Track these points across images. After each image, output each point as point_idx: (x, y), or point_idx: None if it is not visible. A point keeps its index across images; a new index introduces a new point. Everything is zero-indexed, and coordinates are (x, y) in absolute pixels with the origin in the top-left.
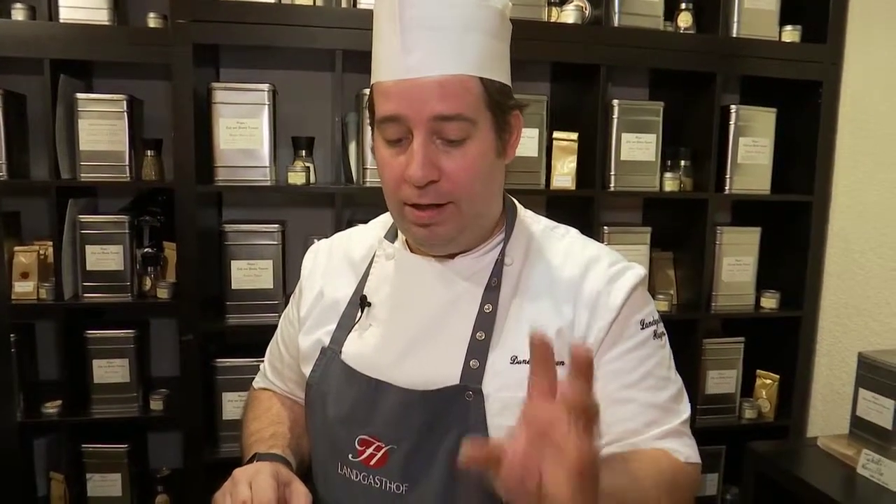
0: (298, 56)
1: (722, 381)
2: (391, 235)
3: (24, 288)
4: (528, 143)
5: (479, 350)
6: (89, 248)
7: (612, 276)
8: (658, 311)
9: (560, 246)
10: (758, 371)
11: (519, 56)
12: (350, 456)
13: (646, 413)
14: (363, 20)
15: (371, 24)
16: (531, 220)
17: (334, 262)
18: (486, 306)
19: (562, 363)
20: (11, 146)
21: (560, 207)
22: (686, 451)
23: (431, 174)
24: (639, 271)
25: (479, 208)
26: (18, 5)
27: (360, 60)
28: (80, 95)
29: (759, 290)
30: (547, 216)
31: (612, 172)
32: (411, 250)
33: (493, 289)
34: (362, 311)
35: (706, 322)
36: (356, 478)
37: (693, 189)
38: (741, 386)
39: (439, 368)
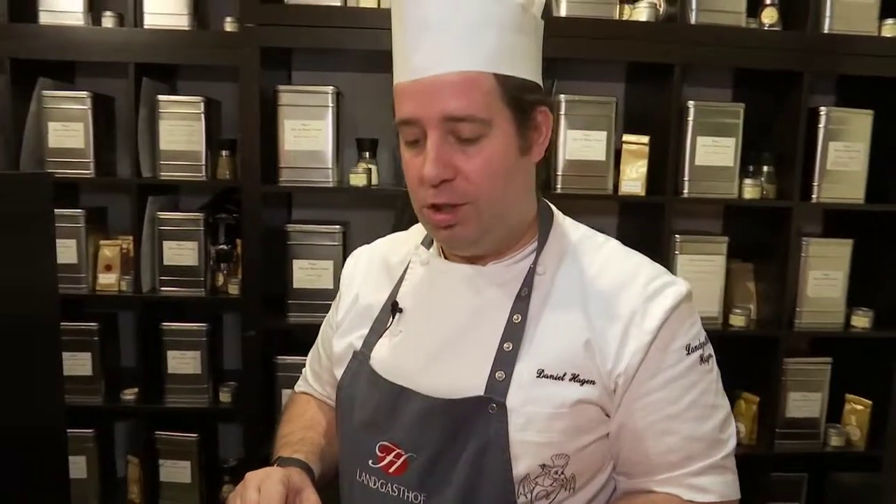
0: (366, 58)
1: (805, 404)
2: (427, 242)
3: (107, 280)
4: (595, 146)
5: (506, 361)
6: (166, 244)
7: (651, 293)
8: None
9: (597, 256)
10: (847, 395)
11: (589, 55)
12: (370, 462)
13: (688, 446)
14: None
15: None
16: (569, 227)
17: (373, 267)
18: (515, 316)
19: (591, 382)
20: (100, 146)
21: (629, 214)
22: (722, 489)
23: (445, 173)
24: (680, 288)
25: (499, 209)
26: (108, 13)
27: None
28: (160, 97)
29: (849, 308)
30: (617, 223)
31: (686, 178)
32: (445, 256)
33: (523, 298)
34: (393, 317)
35: (788, 340)
36: (374, 485)
37: (776, 197)
38: (827, 410)
39: (464, 378)
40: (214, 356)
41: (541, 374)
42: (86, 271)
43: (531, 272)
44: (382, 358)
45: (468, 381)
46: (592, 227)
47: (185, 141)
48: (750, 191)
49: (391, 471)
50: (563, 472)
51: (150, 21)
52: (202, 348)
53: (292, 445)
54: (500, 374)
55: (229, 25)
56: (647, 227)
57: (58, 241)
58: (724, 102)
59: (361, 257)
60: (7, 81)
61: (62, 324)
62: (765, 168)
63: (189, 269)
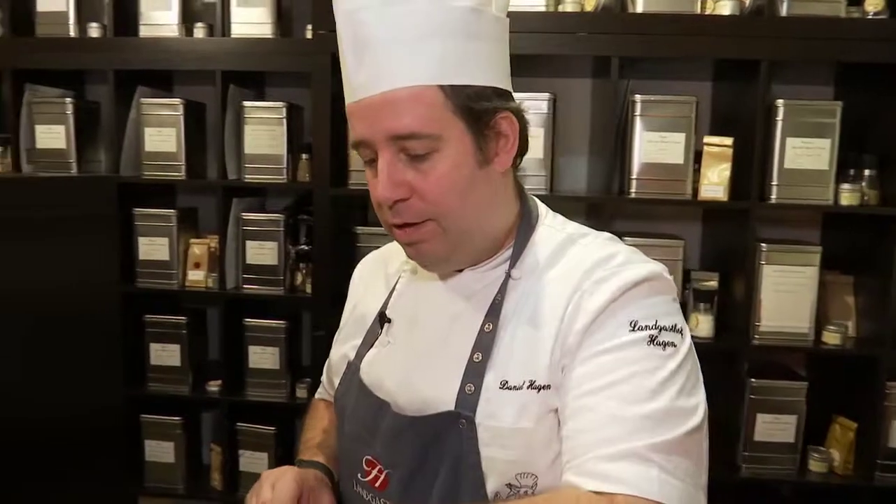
0: None
1: None
2: None
3: (196, 276)
4: (672, 148)
5: (475, 373)
6: (249, 244)
7: (607, 275)
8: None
9: (578, 251)
10: None
11: (670, 53)
12: (359, 475)
13: (606, 427)
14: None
15: (525, 26)
16: (555, 228)
17: (375, 274)
18: (486, 325)
19: (547, 387)
20: (191, 149)
21: (712, 220)
22: (639, 482)
23: (398, 193)
24: (640, 270)
25: (463, 224)
26: (200, 24)
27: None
28: (245, 103)
29: None
30: (701, 230)
31: (774, 182)
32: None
33: (496, 306)
34: (381, 328)
35: (891, 361)
36: (367, 497)
37: (879, 203)
38: None
39: (436, 392)
40: (292, 352)
41: (504, 385)
42: (177, 268)
43: (507, 278)
44: (370, 370)
45: (440, 395)
46: (669, 234)
47: (268, 145)
48: (848, 196)
49: (377, 485)
50: (532, 492)
51: (236, 30)
52: (281, 345)
53: (311, 450)
54: (469, 387)
55: (309, 33)
56: (732, 234)
57: (152, 238)
58: (818, 100)
59: (366, 264)
60: (111, 91)
61: (154, 316)
62: (866, 172)
63: (270, 268)
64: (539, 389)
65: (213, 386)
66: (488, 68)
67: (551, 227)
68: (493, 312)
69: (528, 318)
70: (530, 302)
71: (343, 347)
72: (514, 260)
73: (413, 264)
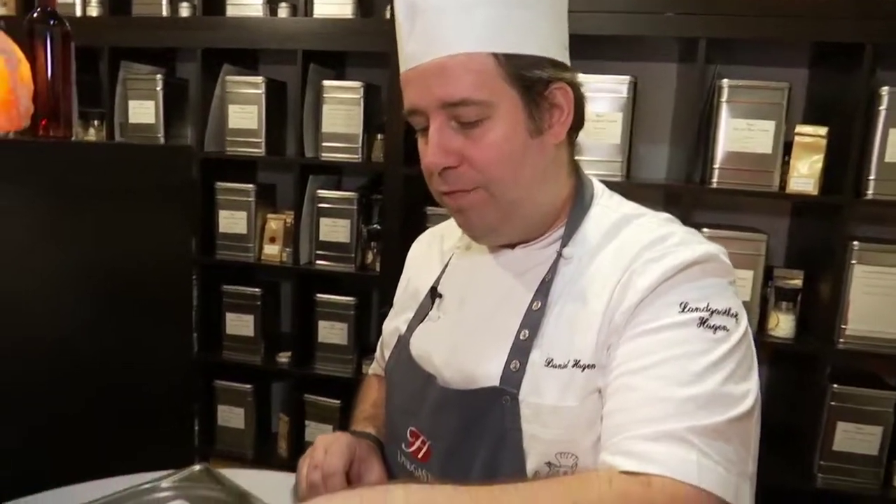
0: None
1: None
2: None
3: (271, 250)
4: (760, 137)
5: (521, 351)
6: (323, 221)
7: (659, 255)
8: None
9: (632, 231)
10: None
11: (762, 35)
12: (403, 445)
13: (646, 407)
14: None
15: (607, 5)
16: (611, 208)
17: (431, 251)
18: (535, 303)
19: (591, 367)
20: (271, 127)
21: (802, 215)
22: (675, 463)
23: (447, 160)
24: (695, 250)
25: (513, 193)
26: (283, 4)
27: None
28: (325, 82)
29: None
30: (789, 224)
31: (871, 176)
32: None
33: (545, 284)
34: (433, 303)
35: None
36: (409, 468)
37: None
38: None
39: (482, 368)
40: (360, 329)
41: (549, 363)
42: (254, 241)
43: (558, 257)
44: (419, 344)
45: (485, 370)
46: (754, 227)
47: (345, 124)
48: None
49: (419, 456)
50: (572, 473)
51: (318, 10)
52: (349, 321)
53: (363, 421)
54: (514, 364)
55: (388, 13)
56: (821, 231)
57: (231, 212)
58: None
59: (422, 241)
60: (198, 68)
61: (231, 287)
62: None
63: (342, 245)
64: (584, 368)
65: (284, 357)
66: (543, 38)
67: (607, 206)
68: (543, 291)
69: (576, 297)
70: (580, 281)
71: (395, 321)
72: (567, 239)
73: (467, 241)
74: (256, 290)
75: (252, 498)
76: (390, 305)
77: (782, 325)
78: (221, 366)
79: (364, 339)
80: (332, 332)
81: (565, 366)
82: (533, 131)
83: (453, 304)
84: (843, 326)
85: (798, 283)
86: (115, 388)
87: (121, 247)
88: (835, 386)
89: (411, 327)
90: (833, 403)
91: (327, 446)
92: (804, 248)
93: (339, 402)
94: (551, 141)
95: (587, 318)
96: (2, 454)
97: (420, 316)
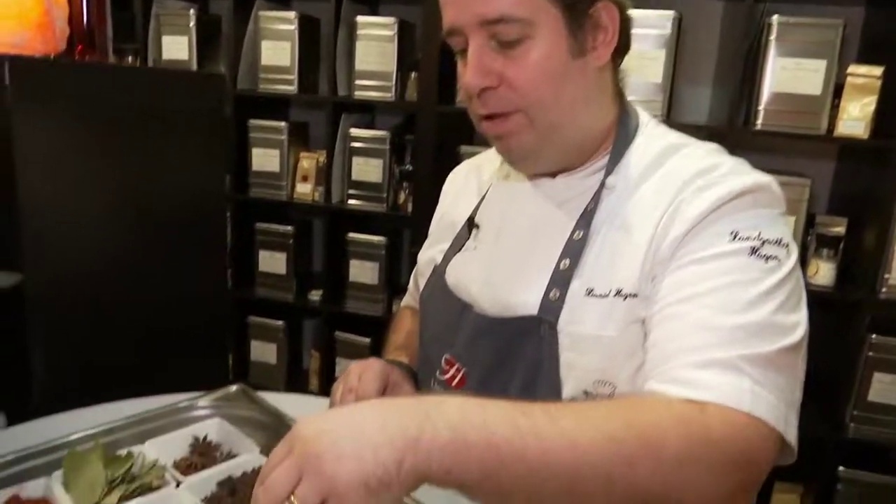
0: None
1: None
2: None
3: (303, 189)
4: (809, 77)
5: (561, 280)
6: (355, 160)
7: (709, 184)
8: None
9: (680, 161)
10: None
11: None
12: (438, 373)
13: (695, 335)
14: None
15: None
16: (656, 137)
17: (468, 181)
18: (576, 233)
19: (634, 296)
20: (304, 64)
21: (847, 159)
22: (729, 391)
23: (486, 80)
24: (746, 179)
25: (554, 117)
26: None
27: None
28: (359, 18)
29: None
30: (835, 169)
31: None
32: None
33: (587, 214)
34: (470, 233)
35: None
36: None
37: None
38: None
39: (520, 297)
40: (391, 269)
41: (589, 292)
42: (286, 179)
43: (601, 186)
44: (455, 273)
45: (523, 300)
46: (798, 172)
47: (379, 62)
48: None
49: (454, 384)
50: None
51: None
52: (380, 260)
53: (396, 350)
54: (554, 294)
55: None
56: (869, 176)
57: (263, 150)
58: None
59: (459, 172)
60: (231, 4)
61: (264, 225)
62: None
63: (374, 185)
64: (626, 297)
65: (315, 295)
66: None
67: (652, 135)
68: (585, 220)
69: (620, 226)
70: (624, 211)
71: (430, 251)
72: (611, 167)
73: (506, 170)
74: (288, 228)
75: (287, 418)
76: (421, 246)
77: (822, 272)
78: (254, 302)
79: (394, 278)
80: (362, 272)
81: (606, 295)
82: (575, 52)
83: (491, 235)
84: (886, 276)
85: (841, 230)
86: (154, 312)
87: (157, 171)
88: (874, 336)
89: (447, 257)
90: (871, 354)
91: (361, 371)
92: (849, 194)
93: (368, 339)
94: (594, 63)
95: (631, 247)
96: (46, 372)
97: (456, 246)
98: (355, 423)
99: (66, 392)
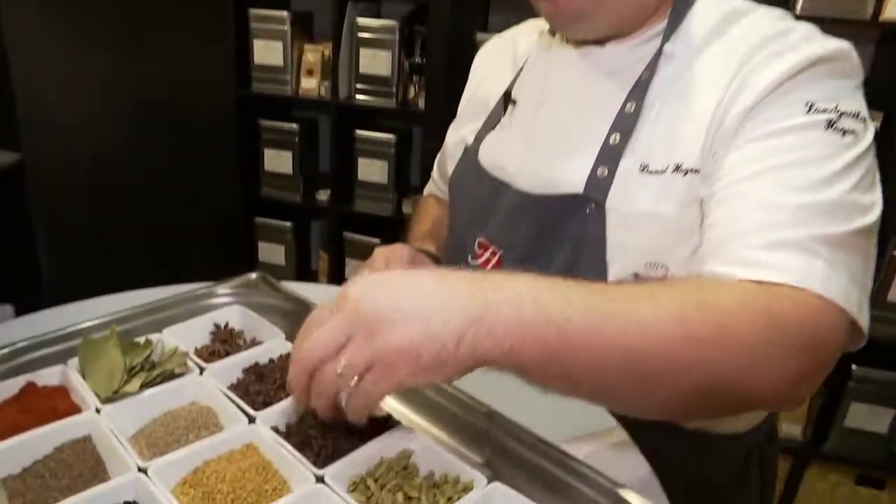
0: None
1: None
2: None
3: (308, 84)
4: None
5: (610, 156)
6: (363, 52)
7: (781, 50)
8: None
9: (747, 25)
10: None
11: None
12: (469, 258)
13: (760, 214)
14: None
15: None
16: (718, 1)
17: (500, 57)
18: (628, 105)
19: (694, 171)
20: None
21: (889, 46)
22: (803, 274)
23: None
24: (824, 45)
25: None
26: None
27: None
28: None
29: None
30: (872, 57)
31: None
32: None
33: (641, 84)
34: (505, 109)
35: None
36: None
37: None
38: None
39: (564, 173)
40: (401, 168)
41: (644, 169)
42: (290, 74)
43: (657, 54)
44: (490, 152)
45: (567, 176)
46: None
47: None
48: None
49: (487, 268)
50: None
51: None
52: (390, 158)
53: (420, 239)
54: (602, 171)
55: None
56: None
57: (267, 42)
58: None
59: (489, 47)
60: None
61: (268, 122)
62: None
63: (382, 78)
64: (686, 173)
65: (323, 195)
66: None
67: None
68: (638, 91)
69: (679, 97)
70: (684, 80)
71: (460, 132)
72: (669, 33)
73: (547, 41)
74: (294, 125)
75: (312, 305)
76: (434, 142)
77: None
78: (261, 203)
79: (404, 177)
80: (371, 170)
81: (663, 171)
82: None
83: (529, 109)
84: None
85: (875, 124)
86: (160, 204)
87: (157, 60)
88: None
89: (480, 137)
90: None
91: (388, 257)
92: (888, 85)
93: (378, 240)
94: None
95: (691, 120)
96: (53, 260)
97: (490, 124)
98: (415, 290)
99: (75, 284)
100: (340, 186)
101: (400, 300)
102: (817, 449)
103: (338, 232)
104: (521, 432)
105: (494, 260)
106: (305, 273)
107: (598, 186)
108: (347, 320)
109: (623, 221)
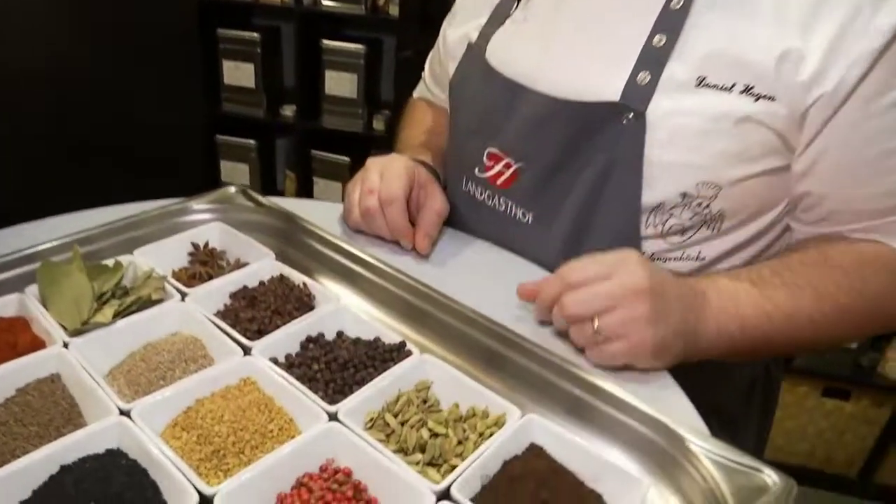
0: None
1: None
2: None
3: None
4: None
5: (653, 60)
6: None
7: None
8: None
9: None
10: None
11: None
12: (477, 170)
13: None
14: None
15: None
16: None
17: None
18: (674, 1)
19: (769, 98)
20: None
21: None
22: None
23: None
24: None
25: None
26: None
27: None
28: None
29: None
30: None
31: None
32: None
33: None
34: (518, 2)
35: None
36: (480, 196)
37: None
38: None
39: (597, 78)
40: (371, 81)
41: (701, 81)
42: None
43: None
44: (500, 50)
45: (601, 81)
46: None
47: None
48: None
49: (498, 183)
50: (707, 206)
51: None
52: (359, 71)
53: (414, 149)
54: (643, 76)
55: None
56: None
57: None
58: None
59: None
60: None
61: (227, 31)
62: None
63: None
64: (758, 98)
65: (288, 111)
66: None
67: None
68: None
69: (741, 3)
70: None
71: (462, 28)
72: None
73: None
74: (254, 34)
75: (300, 220)
76: (408, 52)
77: None
78: (221, 119)
79: (375, 91)
80: (339, 84)
81: (728, 89)
82: None
83: (545, 4)
84: None
85: None
86: (123, 122)
87: None
88: None
89: (486, 34)
90: None
91: (382, 169)
92: None
93: (348, 158)
94: None
95: (763, 33)
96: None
97: (498, 19)
98: (671, 306)
99: (30, 203)
100: (306, 101)
101: (666, 308)
102: (787, 364)
103: (304, 150)
104: (548, 355)
105: (508, 173)
106: (272, 194)
107: (638, 94)
108: (621, 295)
109: (671, 136)
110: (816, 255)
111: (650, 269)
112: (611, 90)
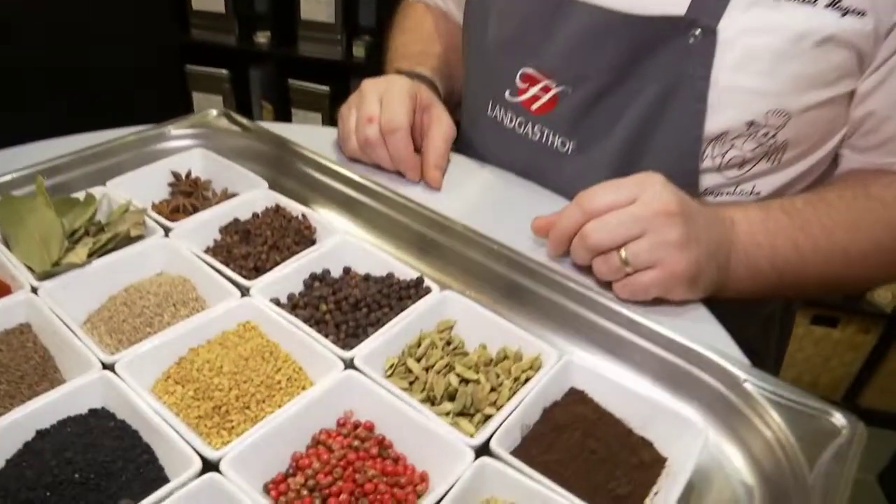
0: None
1: None
2: None
3: None
4: None
5: None
6: None
7: None
8: None
9: None
10: None
11: None
12: (507, 94)
13: None
14: None
15: None
16: None
17: None
18: None
19: (859, 13)
20: None
21: None
22: None
23: None
24: None
25: None
26: None
27: None
28: None
29: None
30: None
31: None
32: None
33: None
34: None
35: None
36: (510, 123)
37: None
38: None
39: None
40: (350, 5)
41: None
42: None
43: None
44: None
45: None
46: None
47: None
48: None
49: (534, 108)
50: (774, 136)
51: None
52: None
53: (412, 57)
54: None
55: None
56: None
57: None
58: None
59: None
60: None
61: None
62: None
63: None
64: (846, 13)
65: (262, 38)
66: None
67: None
68: None
69: None
70: None
71: None
72: None
73: None
74: None
75: (292, 145)
76: None
77: None
78: (191, 47)
79: (354, 15)
80: (316, 7)
81: (812, 2)
82: None
83: None
84: None
85: None
86: (85, 51)
87: None
88: None
89: None
90: None
91: (381, 93)
92: None
93: (327, 88)
94: None
95: None
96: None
97: None
98: (701, 230)
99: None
100: (281, 27)
101: (697, 228)
102: None
103: (281, 79)
104: (581, 288)
105: (546, 98)
106: None
107: (706, 7)
108: (648, 219)
109: (743, 58)
110: (856, 187)
111: (676, 191)
112: (676, 2)
